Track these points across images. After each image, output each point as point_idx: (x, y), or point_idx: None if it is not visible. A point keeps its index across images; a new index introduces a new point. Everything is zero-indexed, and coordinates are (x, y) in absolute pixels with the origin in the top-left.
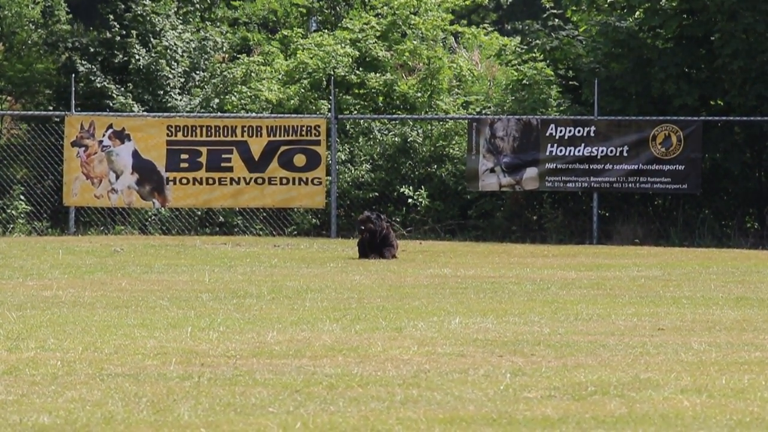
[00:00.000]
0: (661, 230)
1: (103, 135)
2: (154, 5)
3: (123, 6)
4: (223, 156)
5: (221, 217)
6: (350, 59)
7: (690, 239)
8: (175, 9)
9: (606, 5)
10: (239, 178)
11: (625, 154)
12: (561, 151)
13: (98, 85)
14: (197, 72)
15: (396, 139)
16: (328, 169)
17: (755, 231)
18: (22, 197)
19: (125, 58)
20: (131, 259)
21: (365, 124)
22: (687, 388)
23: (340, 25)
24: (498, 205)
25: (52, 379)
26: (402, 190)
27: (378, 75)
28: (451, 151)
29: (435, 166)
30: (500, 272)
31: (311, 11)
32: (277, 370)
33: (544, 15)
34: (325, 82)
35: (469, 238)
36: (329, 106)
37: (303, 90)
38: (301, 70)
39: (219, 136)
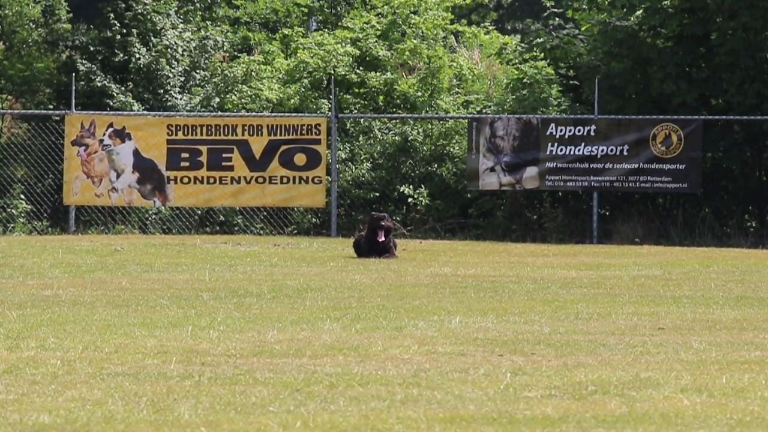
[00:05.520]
0: (661, 229)
1: (104, 134)
2: (154, 4)
3: (123, 5)
4: (224, 155)
5: (222, 216)
6: (351, 58)
7: (690, 238)
8: (176, 8)
9: (606, 4)
10: (240, 177)
11: (625, 153)
12: (561, 150)
13: (98, 84)
14: (198, 71)
15: (396, 138)
16: (329, 168)
17: (755, 230)
18: (22, 196)
19: (126, 57)
20: (131, 258)
21: (365, 123)
22: (687, 387)
23: (340, 24)
24: (498, 204)
25: (53, 378)
26: (402, 189)
27: (378, 74)
28: (451, 150)
29: (435, 165)
30: (500, 271)
31: (312, 11)
32: (278, 369)
33: (545, 14)
34: (325, 81)
35: (470, 237)
36: (329, 105)
37: (303, 89)
38: (302, 69)
39: (219, 135)
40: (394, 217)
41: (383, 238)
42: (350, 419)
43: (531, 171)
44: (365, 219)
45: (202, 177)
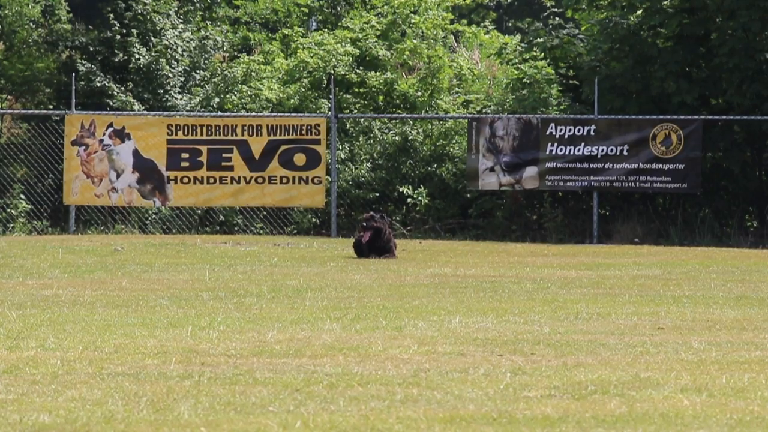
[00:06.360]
0: (661, 229)
1: (104, 134)
2: (154, 4)
3: (123, 5)
4: (224, 155)
5: (222, 216)
6: (350, 58)
7: (690, 238)
8: (176, 8)
9: (606, 4)
10: (239, 177)
11: (625, 153)
12: (561, 150)
13: (98, 84)
14: (197, 71)
15: (396, 138)
16: (328, 168)
17: (755, 230)
18: (22, 196)
19: (125, 57)
20: (131, 258)
21: (365, 123)
22: (687, 387)
23: (340, 24)
24: (498, 204)
25: (52, 378)
26: (402, 189)
27: (378, 74)
28: (451, 150)
29: (435, 165)
30: (500, 271)
31: (312, 11)
32: (278, 369)
33: (545, 14)
34: (325, 81)
35: (469, 237)
36: (329, 105)
37: (303, 89)
38: (302, 69)
39: (219, 135)
40: (393, 217)
41: (368, 239)
42: (350, 419)
43: (531, 171)
44: None
45: (202, 177)
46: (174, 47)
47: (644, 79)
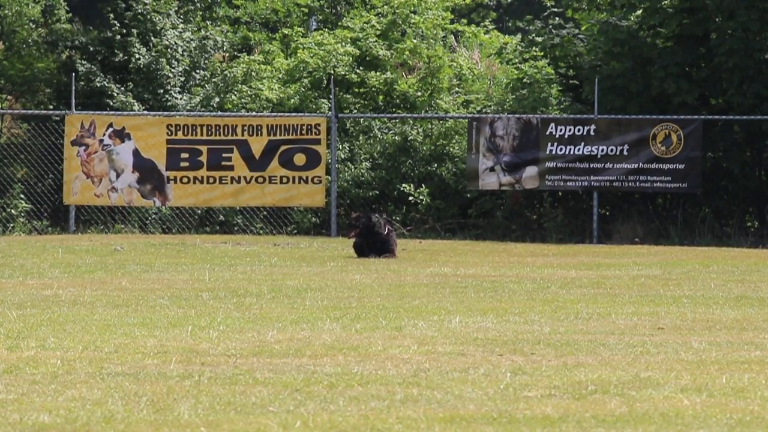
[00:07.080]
0: (661, 229)
1: (104, 134)
2: (154, 4)
3: (123, 5)
4: (224, 155)
5: (221, 216)
6: (350, 58)
7: (690, 238)
8: (176, 8)
9: (606, 4)
10: (239, 177)
11: (625, 153)
12: (561, 150)
13: (98, 84)
14: (198, 71)
15: (396, 137)
16: (328, 168)
17: (755, 230)
18: (22, 196)
19: (125, 57)
20: (131, 258)
21: (365, 123)
22: (687, 387)
23: (340, 24)
24: (498, 204)
25: (52, 377)
26: (402, 188)
27: (378, 74)
28: (451, 149)
29: (435, 165)
30: (500, 271)
31: (312, 10)
32: (278, 369)
33: (545, 14)
34: (325, 81)
35: (469, 237)
36: (329, 104)
37: (303, 89)
38: (302, 69)
39: (219, 135)
40: (393, 217)
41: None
42: (350, 419)
43: (531, 171)
44: None
45: (202, 177)
46: (174, 47)
47: (644, 79)
